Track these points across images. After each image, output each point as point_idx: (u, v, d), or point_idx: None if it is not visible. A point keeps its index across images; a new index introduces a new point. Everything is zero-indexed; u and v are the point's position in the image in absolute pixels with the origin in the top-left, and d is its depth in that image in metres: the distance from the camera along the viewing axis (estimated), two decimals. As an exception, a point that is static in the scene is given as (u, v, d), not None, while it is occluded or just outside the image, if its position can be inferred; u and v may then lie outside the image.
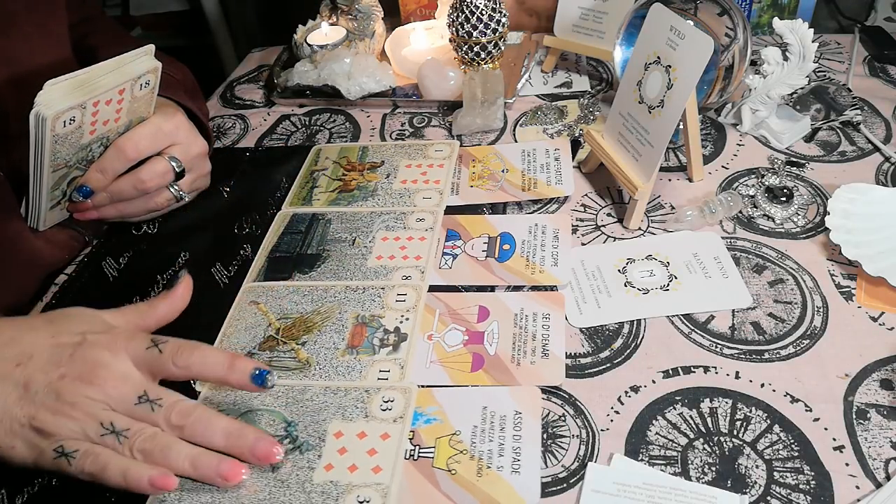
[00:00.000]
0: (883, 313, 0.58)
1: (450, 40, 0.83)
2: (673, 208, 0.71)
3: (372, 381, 0.55)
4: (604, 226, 0.70)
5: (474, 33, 0.80)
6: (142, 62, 0.65)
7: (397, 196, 0.75)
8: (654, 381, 0.55)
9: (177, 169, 0.70)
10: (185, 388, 0.52)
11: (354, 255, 0.68)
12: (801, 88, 0.78)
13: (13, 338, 0.50)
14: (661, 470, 0.49)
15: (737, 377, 0.54)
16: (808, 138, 0.78)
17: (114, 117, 0.65)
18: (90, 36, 0.78)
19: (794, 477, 0.48)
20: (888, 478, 0.47)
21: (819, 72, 0.90)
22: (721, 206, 0.68)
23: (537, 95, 0.91)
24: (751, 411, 0.52)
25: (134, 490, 0.46)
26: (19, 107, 0.59)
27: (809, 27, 0.72)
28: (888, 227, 0.63)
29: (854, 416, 0.51)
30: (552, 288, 0.63)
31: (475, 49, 0.81)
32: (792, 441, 0.50)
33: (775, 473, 0.48)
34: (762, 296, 0.61)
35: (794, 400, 0.52)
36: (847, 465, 0.48)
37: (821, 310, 0.59)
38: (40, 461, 0.47)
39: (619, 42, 0.81)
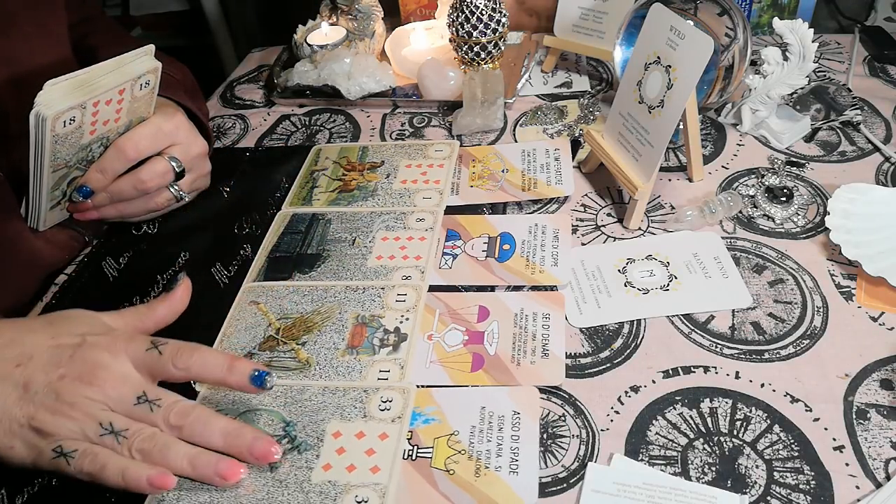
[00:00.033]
0: (883, 313, 0.58)
1: (450, 40, 0.83)
2: (673, 208, 0.71)
3: (372, 382, 0.55)
4: (604, 226, 0.70)
5: (474, 33, 0.80)
6: (142, 62, 0.65)
7: (397, 196, 0.75)
8: (654, 381, 0.55)
9: (177, 169, 0.70)
10: (185, 388, 0.52)
11: (354, 255, 0.68)
12: (801, 88, 0.78)
13: (13, 339, 0.50)
14: (661, 470, 0.49)
15: (737, 377, 0.54)
16: (808, 138, 0.78)
17: (114, 117, 0.65)
18: (90, 36, 0.78)
19: (794, 477, 0.48)
20: (888, 478, 0.47)
21: (819, 72, 0.90)
22: (721, 206, 0.68)
23: (537, 95, 0.91)
24: (751, 411, 0.52)
25: (132, 490, 0.46)
26: (19, 107, 0.59)
27: (809, 27, 0.72)
28: (888, 227, 0.63)
29: (854, 416, 0.51)
30: (552, 288, 0.63)
31: (475, 49, 0.81)
32: (792, 441, 0.50)
33: (775, 473, 0.48)
34: (762, 296, 0.60)
35: (794, 400, 0.52)
36: (847, 465, 0.48)
37: (821, 310, 0.59)
38: (39, 461, 0.47)
39: (619, 42, 0.81)
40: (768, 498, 0.47)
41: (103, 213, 0.70)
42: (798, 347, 0.56)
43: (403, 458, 0.50)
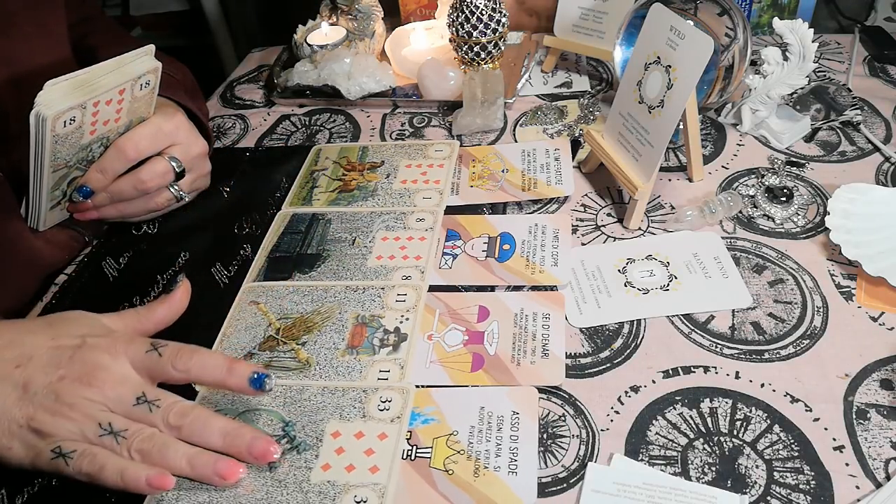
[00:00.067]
0: (883, 313, 0.58)
1: (450, 40, 0.83)
2: (673, 208, 0.71)
3: (372, 382, 0.55)
4: (604, 226, 0.70)
5: (474, 33, 0.80)
6: (142, 62, 0.65)
7: (397, 196, 0.75)
8: (654, 381, 0.55)
9: (177, 169, 0.70)
10: (185, 388, 0.52)
11: (354, 255, 0.68)
12: (801, 88, 0.77)
13: (13, 340, 0.50)
14: (661, 470, 0.49)
15: (737, 377, 0.54)
16: (808, 138, 0.78)
17: (114, 117, 0.65)
18: (90, 36, 0.78)
19: (794, 477, 0.48)
20: (888, 478, 0.47)
21: (819, 72, 0.90)
22: (721, 206, 0.68)
23: (537, 95, 0.91)
24: (751, 411, 0.52)
25: (131, 490, 0.46)
26: (19, 107, 0.59)
27: (809, 27, 0.72)
28: (888, 227, 0.62)
29: (854, 416, 0.51)
30: (552, 288, 0.63)
31: (475, 49, 0.81)
32: (792, 441, 0.50)
33: (775, 473, 0.48)
34: (762, 296, 0.60)
35: (794, 400, 0.52)
36: (847, 465, 0.48)
37: (821, 310, 0.59)
38: (37, 462, 0.47)
39: (619, 42, 0.81)
40: (768, 498, 0.47)
41: (103, 213, 0.70)
42: (798, 347, 0.56)
43: (402, 459, 0.50)
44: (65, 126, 0.60)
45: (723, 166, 0.76)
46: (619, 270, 0.64)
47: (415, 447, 0.51)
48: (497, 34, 0.81)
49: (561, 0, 0.91)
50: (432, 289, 0.63)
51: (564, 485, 0.48)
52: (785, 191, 0.69)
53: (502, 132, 0.85)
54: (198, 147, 0.72)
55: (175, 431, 0.48)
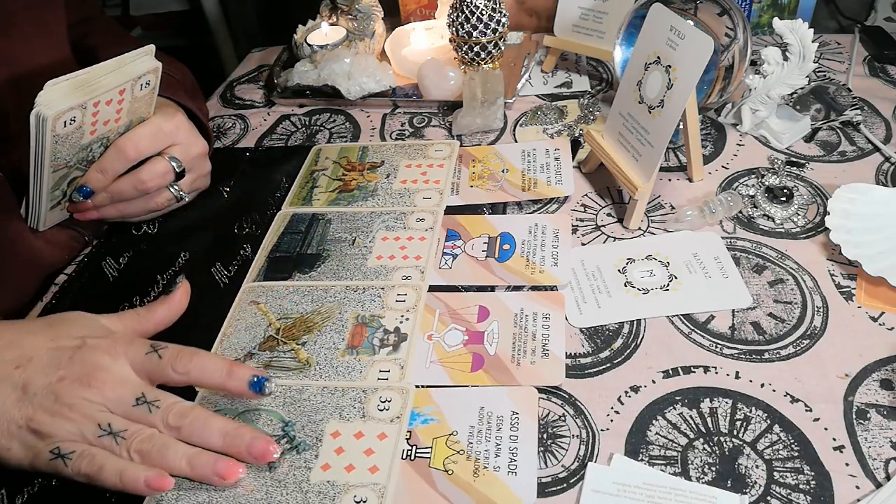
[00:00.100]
0: (883, 313, 0.58)
1: (450, 40, 0.83)
2: (673, 208, 0.71)
3: (372, 382, 0.55)
4: (604, 226, 0.70)
5: (474, 33, 0.80)
6: (142, 62, 0.65)
7: (397, 196, 0.75)
8: (654, 381, 0.54)
9: (177, 169, 0.70)
10: (185, 388, 0.52)
11: (354, 255, 0.68)
12: (801, 88, 0.77)
13: (12, 341, 0.50)
14: (661, 470, 0.49)
15: (737, 377, 0.54)
16: (808, 138, 0.78)
17: (114, 117, 0.65)
18: (90, 36, 0.78)
19: (794, 477, 0.48)
20: (888, 478, 0.47)
21: (819, 72, 0.90)
22: (721, 206, 0.68)
23: (537, 95, 0.91)
24: (751, 411, 0.52)
25: (130, 491, 0.46)
26: (19, 107, 0.59)
27: (809, 27, 0.72)
28: (888, 227, 0.62)
29: (854, 416, 0.51)
30: (552, 288, 0.63)
31: (475, 49, 0.81)
32: (792, 441, 0.50)
33: (775, 473, 0.48)
34: (762, 296, 0.60)
35: (794, 400, 0.52)
36: (847, 465, 0.48)
37: (821, 310, 0.59)
38: (36, 463, 0.47)
39: (619, 42, 0.81)
40: (768, 498, 0.47)
41: (103, 213, 0.70)
42: (798, 347, 0.56)
43: (402, 459, 0.50)
44: (65, 126, 0.60)
45: (723, 166, 0.76)
46: (619, 270, 0.64)
47: (414, 447, 0.51)
48: (497, 34, 0.81)
49: (561, 0, 0.91)
50: (432, 289, 0.63)
51: (564, 485, 0.48)
52: (785, 191, 0.69)
53: (502, 132, 0.85)
54: (198, 147, 0.72)
55: (174, 432, 0.48)
